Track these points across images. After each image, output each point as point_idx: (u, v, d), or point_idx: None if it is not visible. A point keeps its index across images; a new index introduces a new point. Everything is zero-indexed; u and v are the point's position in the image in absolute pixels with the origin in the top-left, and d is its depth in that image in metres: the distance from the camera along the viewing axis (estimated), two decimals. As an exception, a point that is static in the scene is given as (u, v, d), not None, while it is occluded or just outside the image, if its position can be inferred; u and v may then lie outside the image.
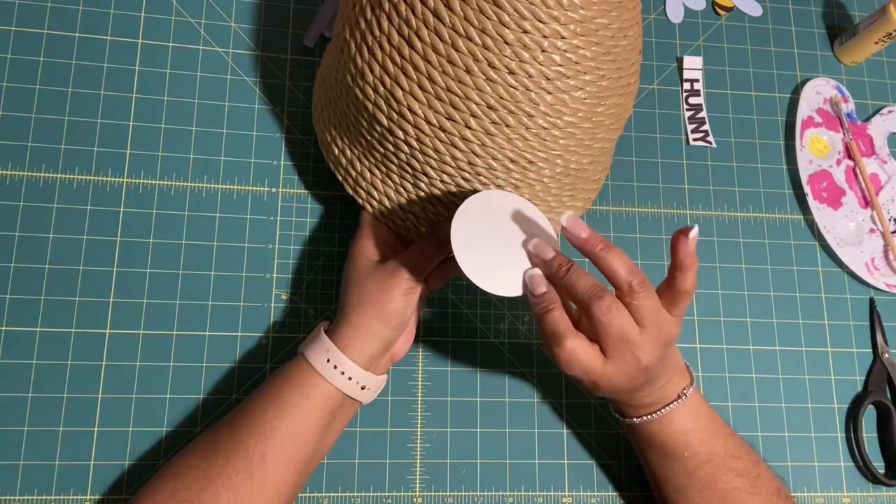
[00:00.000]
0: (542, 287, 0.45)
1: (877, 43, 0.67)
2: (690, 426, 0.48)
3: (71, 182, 0.57)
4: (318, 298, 0.58)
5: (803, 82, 0.69)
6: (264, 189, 0.59)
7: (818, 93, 0.68)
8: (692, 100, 0.67)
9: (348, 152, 0.53)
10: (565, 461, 0.57)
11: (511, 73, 0.44)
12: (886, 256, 0.65)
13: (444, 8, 0.43)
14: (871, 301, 0.64)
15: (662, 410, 0.48)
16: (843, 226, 0.65)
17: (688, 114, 0.67)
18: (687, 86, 0.67)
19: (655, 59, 0.68)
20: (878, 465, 0.60)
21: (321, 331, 0.49)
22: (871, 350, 0.63)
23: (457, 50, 0.43)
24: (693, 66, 0.68)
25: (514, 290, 0.46)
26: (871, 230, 0.66)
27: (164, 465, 0.48)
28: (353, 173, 0.53)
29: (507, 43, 0.43)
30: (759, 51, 0.70)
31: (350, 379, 0.47)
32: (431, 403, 0.57)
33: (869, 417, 0.62)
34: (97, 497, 0.52)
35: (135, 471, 0.53)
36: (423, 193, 0.51)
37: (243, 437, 0.46)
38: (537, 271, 0.45)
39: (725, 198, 0.65)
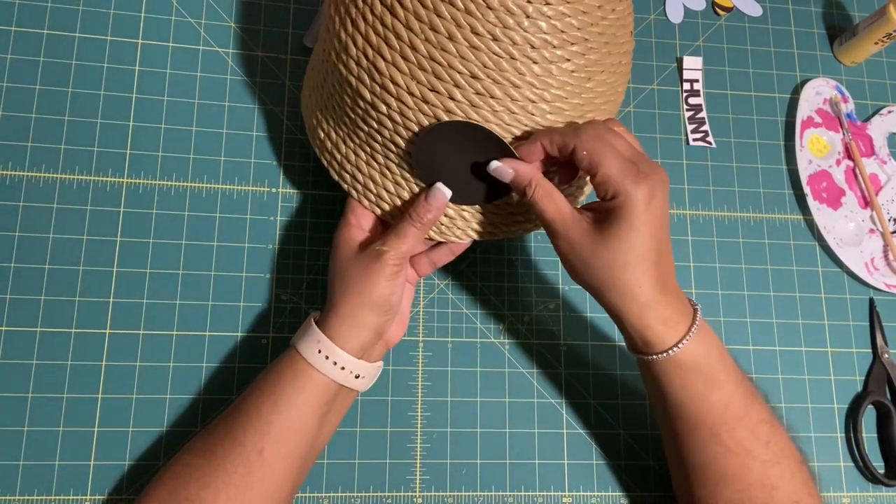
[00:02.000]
0: (509, 172, 0.45)
1: (876, 43, 0.67)
2: (719, 351, 0.47)
3: (71, 182, 0.57)
4: (318, 298, 0.58)
5: (803, 82, 0.69)
6: (264, 189, 0.59)
7: (818, 93, 0.68)
8: (692, 100, 0.67)
9: (333, 134, 0.52)
10: (565, 461, 0.57)
11: (495, 39, 0.43)
12: (886, 256, 0.65)
13: None
14: (871, 301, 0.64)
15: (697, 321, 0.45)
16: (842, 226, 0.65)
17: (688, 114, 0.67)
18: (687, 86, 0.67)
19: (655, 59, 0.68)
20: (878, 466, 0.60)
21: (312, 322, 0.48)
22: (870, 350, 0.63)
23: (439, 16, 0.43)
24: (693, 66, 0.68)
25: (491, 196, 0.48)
26: (871, 230, 0.66)
27: (163, 466, 0.48)
28: (339, 156, 0.52)
29: (490, 7, 0.42)
30: (758, 51, 0.70)
31: (343, 369, 0.47)
32: (431, 403, 0.57)
33: (869, 417, 0.62)
34: (97, 497, 0.52)
35: (135, 471, 0.53)
36: (407, 174, 0.50)
37: (239, 433, 0.46)
38: (498, 163, 0.46)
39: (725, 198, 0.65)
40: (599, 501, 0.57)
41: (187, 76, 0.60)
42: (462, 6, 0.43)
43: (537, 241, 0.61)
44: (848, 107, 0.68)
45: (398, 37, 0.44)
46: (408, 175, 0.50)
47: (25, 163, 0.57)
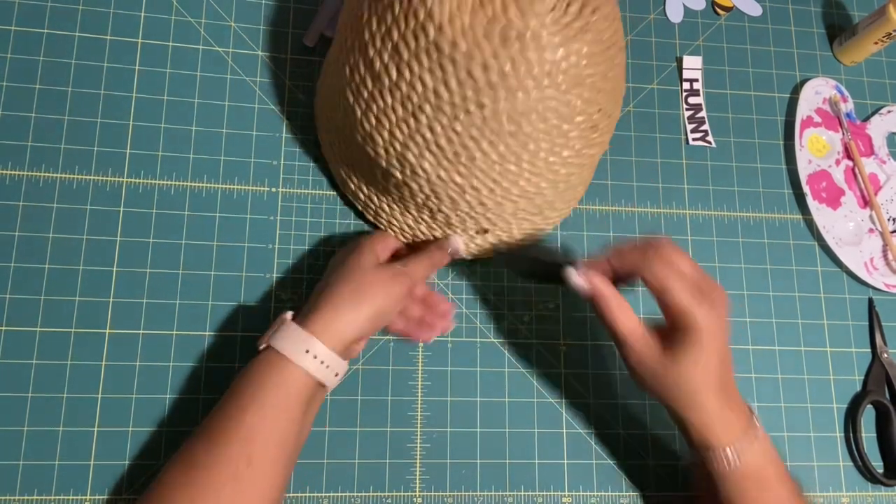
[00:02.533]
0: (587, 288, 0.48)
1: (876, 43, 0.67)
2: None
3: (71, 182, 0.57)
4: (318, 298, 0.58)
5: (802, 82, 0.69)
6: (264, 189, 0.59)
7: (817, 93, 0.68)
8: (692, 100, 0.67)
9: (365, 189, 0.56)
10: (565, 461, 0.57)
11: (511, 135, 0.46)
12: (885, 256, 0.65)
13: (444, 88, 0.45)
14: (870, 301, 0.64)
15: (756, 429, 0.48)
16: (842, 226, 0.65)
17: (687, 114, 0.67)
18: (686, 86, 0.67)
19: (655, 59, 0.68)
20: (877, 465, 0.60)
21: (291, 322, 0.48)
22: (869, 350, 0.63)
23: (458, 121, 0.46)
24: (692, 65, 0.68)
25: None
26: (870, 230, 0.66)
27: (146, 492, 0.46)
28: (373, 207, 0.57)
29: (503, 112, 0.46)
30: (758, 51, 0.70)
31: (328, 367, 0.47)
32: (431, 403, 0.57)
33: (868, 417, 0.62)
34: (97, 497, 0.52)
35: (135, 471, 0.53)
36: (441, 222, 0.54)
37: (223, 444, 0.45)
38: (577, 280, 0.48)
39: (725, 198, 0.65)
40: (599, 501, 0.57)
41: (187, 76, 0.60)
42: (480, 115, 0.45)
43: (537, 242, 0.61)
44: (847, 106, 0.68)
45: (423, 137, 0.47)
46: (441, 222, 0.54)
47: (25, 163, 0.57)
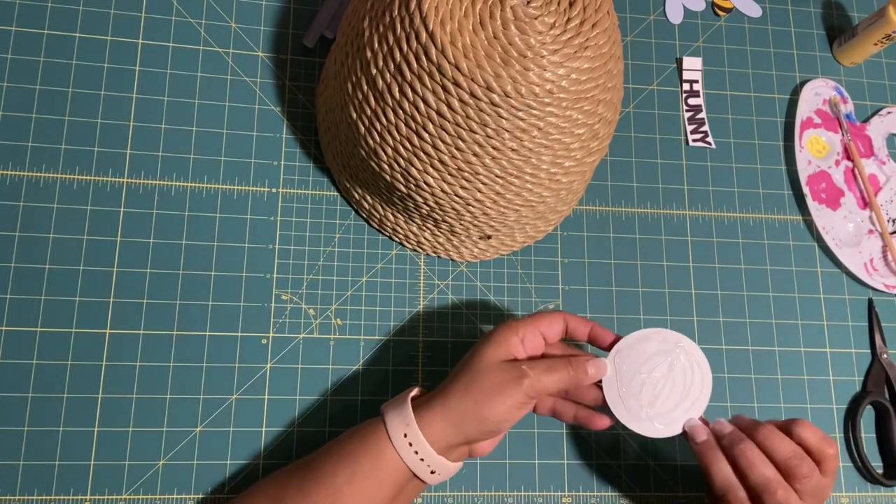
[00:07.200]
0: (702, 435, 0.47)
1: (876, 44, 0.67)
2: None
3: (71, 182, 0.57)
4: (318, 298, 0.58)
5: (802, 83, 0.69)
6: (264, 189, 0.59)
7: (817, 94, 0.68)
8: (691, 100, 0.67)
9: (369, 199, 0.57)
10: (565, 461, 0.57)
11: (513, 150, 0.47)
12: (885, 257, 0.65)
13: (447, 108, 0.45)
14: (870, 302, 0.64)
15: None
16: (841, 226, 0.65)
17: (687, 114, 0.67)
18: (686, 86, 0.67)
19: (655, 59, 0.68)
20: (877, 466, 0.60)
21: (408, 398, 0.46)
22: (869, 351, 0.63)
23: (462, 140, 0.47)
24: (692, 66, 0.68)
25: (670, 431, 0.48)
26: (870, 231, 0.66)
27: (235, 499, 0.48)
28: (377, 215, 0.57)
29: (506, 130, 0.46)
30: (758, 52, 0.70)
31: (422, 460, 0.45)
32: (431, 403, 0.57)
33: (868, 418, 0.62)
34: (97, 497, 0.52)
35: (135, 471, 0.53)
36: (445, 230, 0.55)
37: (312, 491, 0.45)
38: (697, 422, 0.48)
39: (725, 198, 0.65)
40: (599, 501, 0.57)
41: (187, 76, 0.60)
42: (482, 133, 0.46)
43: (537, 242, 0.61)
44: (847, 107, 0.69)
45: (427, 154, 0.48)
46: (446, 230, 0.55)
47: (25, 163, 0.57)
